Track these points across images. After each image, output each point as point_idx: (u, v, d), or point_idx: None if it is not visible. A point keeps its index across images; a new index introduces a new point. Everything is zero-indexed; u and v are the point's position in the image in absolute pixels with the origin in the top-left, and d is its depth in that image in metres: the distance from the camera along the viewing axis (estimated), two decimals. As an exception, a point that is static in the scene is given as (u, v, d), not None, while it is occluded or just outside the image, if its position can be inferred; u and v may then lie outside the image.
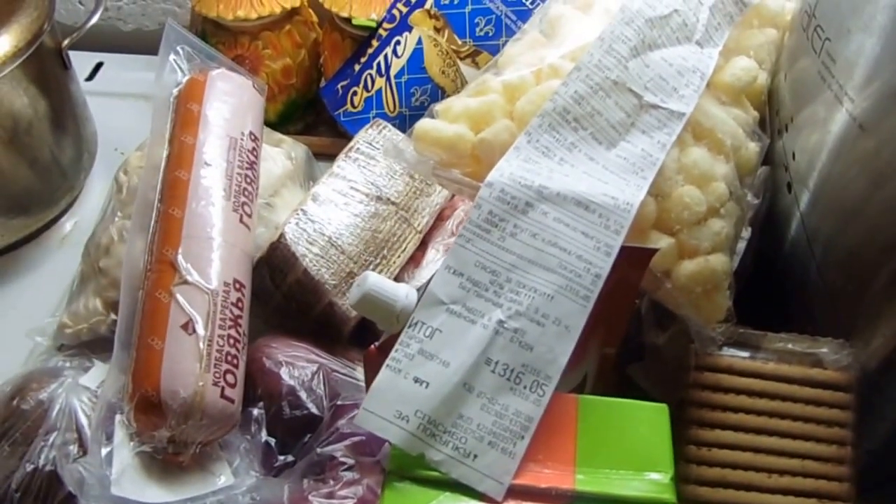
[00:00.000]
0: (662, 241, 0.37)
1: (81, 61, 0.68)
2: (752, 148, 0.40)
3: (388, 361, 0.31)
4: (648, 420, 0.32)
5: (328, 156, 0.51)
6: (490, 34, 0.55)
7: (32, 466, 0.37)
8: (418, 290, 0.34)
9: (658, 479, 0.30)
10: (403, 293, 0.34)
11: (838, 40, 0.35)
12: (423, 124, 0.38)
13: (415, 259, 0.49)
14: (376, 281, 0.33)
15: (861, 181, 0.36)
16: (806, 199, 0.39)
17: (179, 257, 0.40)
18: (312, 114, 0.64)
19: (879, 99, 0.33)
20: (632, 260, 0.35)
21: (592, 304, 0.33)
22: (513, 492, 0.30)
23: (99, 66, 0.71)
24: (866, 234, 0.36)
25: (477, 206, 0.33)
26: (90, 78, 0.69)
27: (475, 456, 0.30)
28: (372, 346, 0.35)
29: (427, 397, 0.30)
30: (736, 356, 0.37)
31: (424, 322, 0.32)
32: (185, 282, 0.40)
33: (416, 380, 0.31)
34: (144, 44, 0.68)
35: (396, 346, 0.31)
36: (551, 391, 0.31)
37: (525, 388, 0.31)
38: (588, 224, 0.34)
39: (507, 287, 0.32)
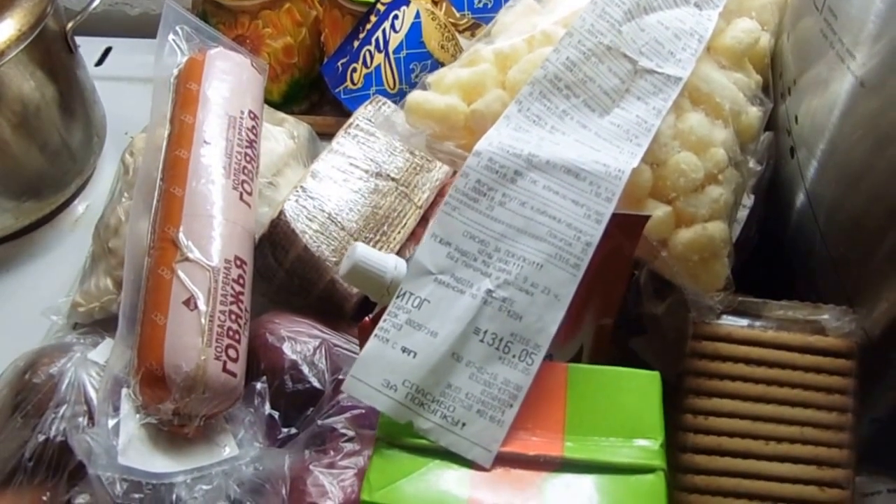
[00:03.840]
0: (659, 210, 0.36)
1: (91, 46, 0.69)
2: (754, 113, 0.39)
3: (375, 331, 0.31)
4: (639, 388, 0.32)
5: (332, 135, 0.51)
6: (488, 5, 0.54)
7: (44, 437, 0.39)
8: (408, 261, 0.34)
9: (647, 446, 0.30)
10: (392, 264, 0.34)
11: (840, -5, 0.34)
12: (415, 96, 0.38)
13: (416, 235, 0.49)
14: (365, 252, 0.34)
15: (865, 143, 0.34)
16: (809, 164, 0.38)
17: (181, 235, 0.41)
18: (317, 93, 0.64)
19: (885, 56, 0.32)
20: (624, 228, 0.34)
21: (583, 273, 0.32)
22: (501, 459, 0.30)
23: (108, 50, 0.72)
24: (871, 198, 0.35)
25: (464, 174, 0.33)
26: (100, 63, 0.70)
27: (463, 424, 0.30)
28: (366, 318, 0.35)
29: (415, 367, 0.31)
30: (735, 324, 0.37)
31: (412, 292, 0.32)
32: (187, 259, 0.40)
33: (404, 349, 0.31)
34: (151, 27, 0.68)
35: (384, 316, 0.31)
36: (540, 360, 0.31)
37: (514, 357, 0.31)
38: (578, 192, 0.33)
39: (495, 256, 0.32)
